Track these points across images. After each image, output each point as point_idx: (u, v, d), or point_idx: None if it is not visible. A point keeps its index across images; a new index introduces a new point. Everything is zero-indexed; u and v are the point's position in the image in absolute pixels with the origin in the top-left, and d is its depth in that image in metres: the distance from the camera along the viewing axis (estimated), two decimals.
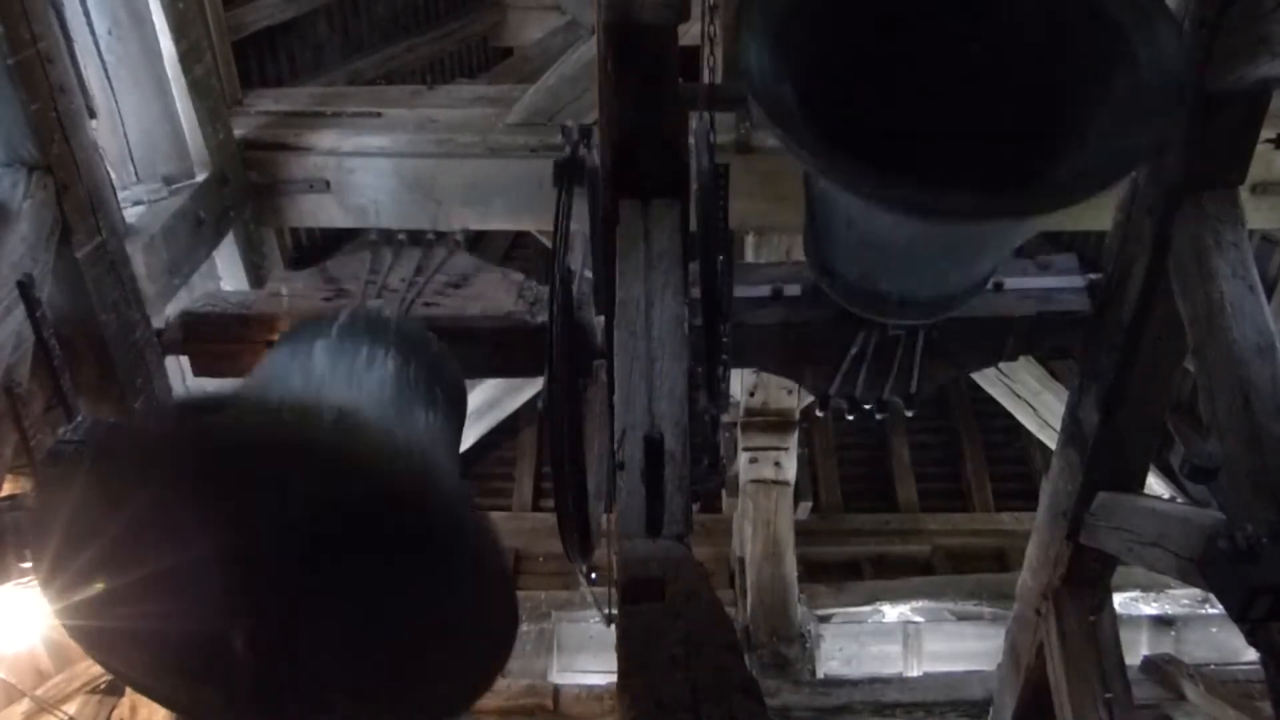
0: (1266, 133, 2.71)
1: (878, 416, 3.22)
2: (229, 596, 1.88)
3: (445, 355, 2.78)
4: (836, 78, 2.39)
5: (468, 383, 6.61)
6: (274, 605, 1.91)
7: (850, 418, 3.24)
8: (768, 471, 5.81)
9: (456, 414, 2.80)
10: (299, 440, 1.76)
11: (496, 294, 3.23)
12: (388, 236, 3.44)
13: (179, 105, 3.93)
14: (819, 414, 3.37)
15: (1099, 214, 3.14)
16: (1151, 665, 5.22)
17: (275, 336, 3.22)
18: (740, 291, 3.03)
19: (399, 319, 2.76)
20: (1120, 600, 4.98)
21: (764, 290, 3.19)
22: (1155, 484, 5.74)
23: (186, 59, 3.89)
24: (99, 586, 1.86)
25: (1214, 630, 6.00)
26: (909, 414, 3.21)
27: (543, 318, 3.10)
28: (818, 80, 2.34)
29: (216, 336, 3.26)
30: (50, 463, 2.54)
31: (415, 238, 3.46)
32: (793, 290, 3.18)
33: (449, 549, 1.85)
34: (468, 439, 5.86)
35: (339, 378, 2.42)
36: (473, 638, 1.95)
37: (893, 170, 2.12)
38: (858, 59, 2.41)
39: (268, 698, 2.03)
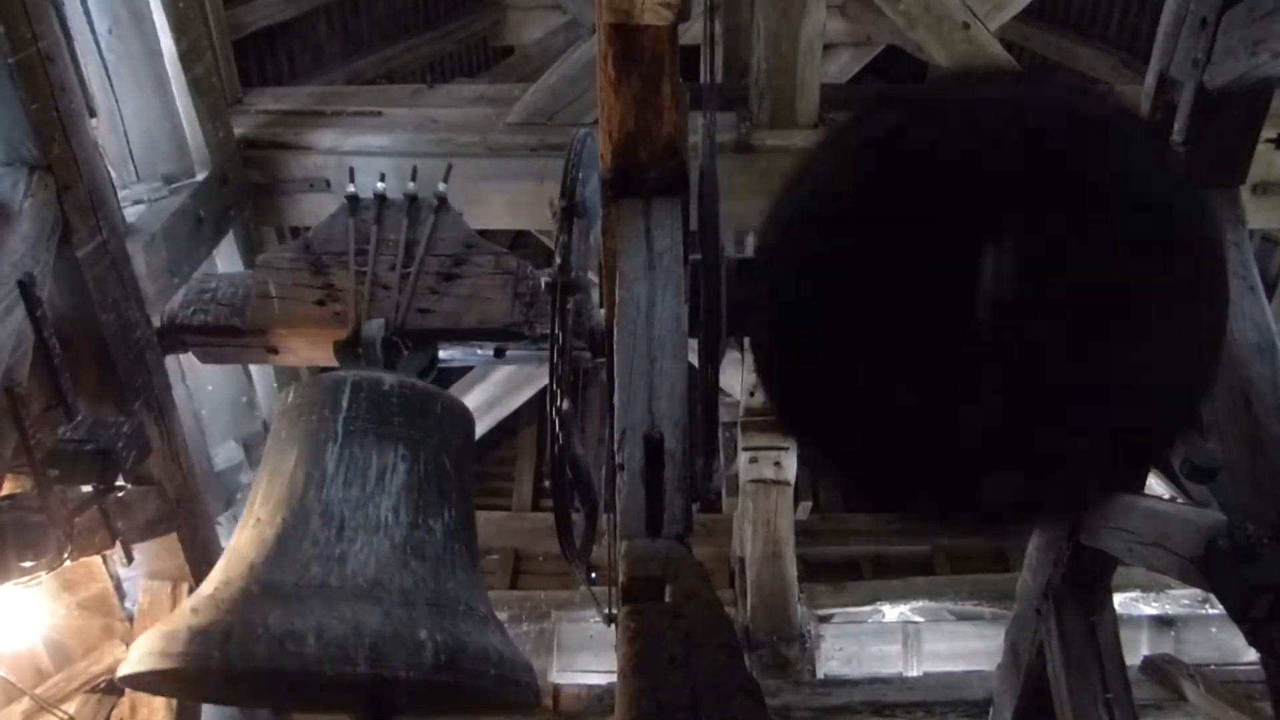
0: (1266, 133, 2.71)
1: None
2: None
3: (449, 406, 2.87)
4: None
5: (468, 381, 6.61)
6: None
7: None
8: (768, 471, 5.80)
9: (466, 470, 2.92)
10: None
11: (491, 291, 3.19)
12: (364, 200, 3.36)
13: (179, 104, 3.93)
14: None
15: None
16: (1151, 665, 5.22)
17: (271, 343, 3.22)
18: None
19: (400, 383, 2.80)
20: (1120, 600, 4.97)
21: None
22: (1155, 484, 5.73)
23: (187, 58, 3.89)
24: None
25: (1214, 630, 5.99)
26: None
27: (541, 327, 3.08)
28: None
29: (212, 343, 3.27)
30: (50, 462, 2.54)
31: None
32: None
33: None
34: None
35: (354, 514, 2.52)
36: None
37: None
38: None
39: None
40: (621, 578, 1.96)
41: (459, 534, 2.69)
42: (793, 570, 5.73)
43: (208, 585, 2.49)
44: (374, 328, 3.03)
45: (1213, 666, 5.30)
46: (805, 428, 1.92)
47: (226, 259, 4.43)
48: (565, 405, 2.46)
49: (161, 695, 2.59)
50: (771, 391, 1.88)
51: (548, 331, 2.62)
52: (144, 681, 2.40)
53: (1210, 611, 5.93)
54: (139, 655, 2.33)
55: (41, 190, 2.73)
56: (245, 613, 2.27)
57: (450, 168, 3.41)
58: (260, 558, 2.45)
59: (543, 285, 2.79)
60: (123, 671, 2.37)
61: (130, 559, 3.08)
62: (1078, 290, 1.65)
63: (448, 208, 3.32)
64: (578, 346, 2.85)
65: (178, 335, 3.24)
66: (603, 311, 2.92)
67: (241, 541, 2.56)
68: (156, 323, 3.27)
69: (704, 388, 2.61)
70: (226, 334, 3.22)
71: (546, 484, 8.37)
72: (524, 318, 3.14)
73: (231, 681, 2.47)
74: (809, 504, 6.95)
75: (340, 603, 2.30)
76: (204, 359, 3.38)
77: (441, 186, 3.33)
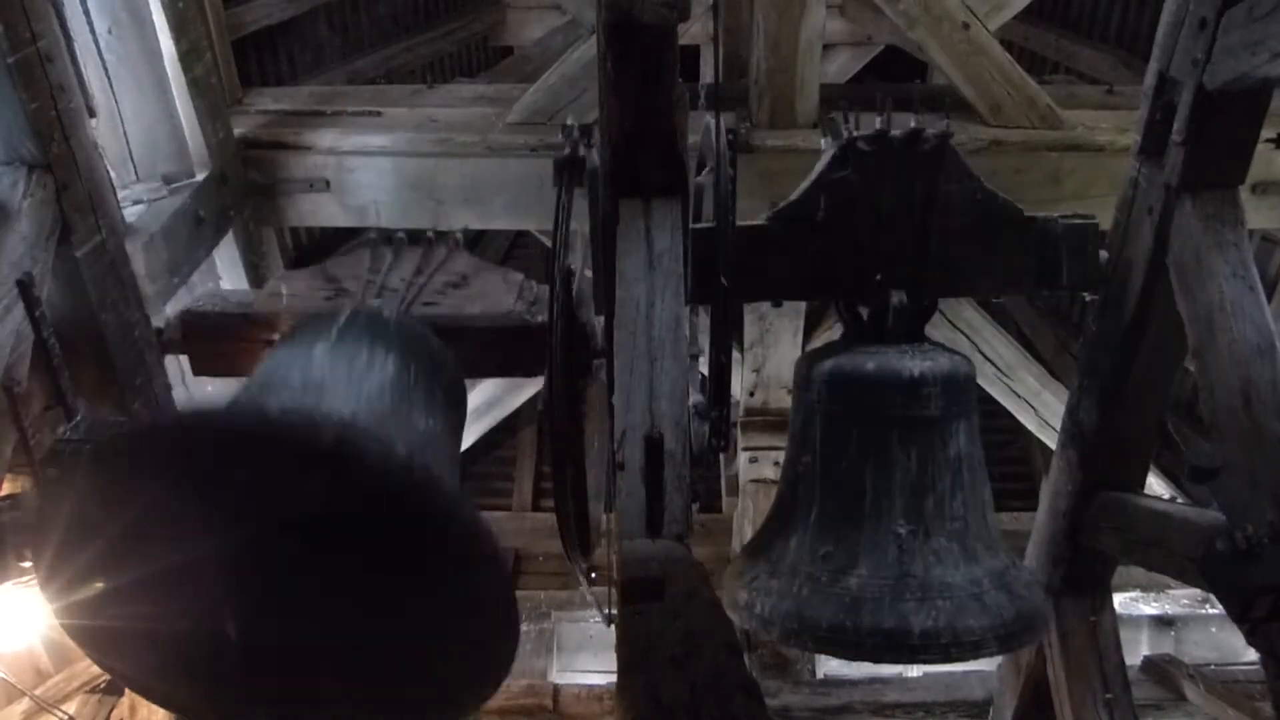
0: (1266, 132, 2.70)
1: None
2: (223, 593, 1.89)
3: (446, 355, 2.78)
4: None
5: (467, 382, 6.60)
6: (267, 602, 1.91)
7: None
8: (768, 471, 5.80)
9: (456, 415, 2.81)
10: (297, 440, 1.78)
11: (496, 294, 3.22)
12: (387, 236, 3.41)
13: (179, 104, 3.93)
14: None
15: (1098, 214, 3.14)
16: (1151, 665, 5.23)
17: (276, 336, 3.22)
18: None
19: (399, 318, 2.76)
20: (1120, 600, 4.97)
21: None
22: (1155, 484, 5.74)
23: (186, 58, 3.89)
24: (97, 586, 1.87)
25: (1214, 630, 6.01)
26: None
27: (542, 317, 3.09)
28: None
29: (216, 336, 3.25)
30: (50, 462, 2.54)
31: (414, 237, 3.44)
32: None
33: (446, 551, 1.88)
34: (468, 439, 5.86)
35: (338, 379, 2.41)
36: (472, 642, 1.97)
37: None
38: None
39: (260, 695, 2.03)
40: (621, 578, 1.96)
41: (443, 442, 2.58)
42: None
43: None
44: (377, 305, 3.03)
45: (1213, 666, 5.30)
46: None
47: (226, 259, 4.44)
48: (568, 262, 2.45)
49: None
50: None
51: (546, 322, 2.61)
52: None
53: (1210, 611, 5.94)
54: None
55: (40, 190, 2.73)
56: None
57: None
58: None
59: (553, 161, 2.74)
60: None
61: None
62: None
63: (461, 248, 3.36)
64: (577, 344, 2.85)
65: (182, 326, 3.22)
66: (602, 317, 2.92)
67: None
68: (158, 323, 3.27)
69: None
70: (232, 323, 3.20)
71: (547, 485, 8.38)
72: (526, 310, 3.16)
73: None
74: None
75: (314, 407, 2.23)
76: (199, 367, 3.35)
77: (459, 233, 3.37)
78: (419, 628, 1.94)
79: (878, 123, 2.87)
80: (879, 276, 2.87)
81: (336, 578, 1.89)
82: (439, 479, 1.97)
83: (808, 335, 5.44)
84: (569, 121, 2.65)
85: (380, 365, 2.47)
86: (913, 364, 2.75)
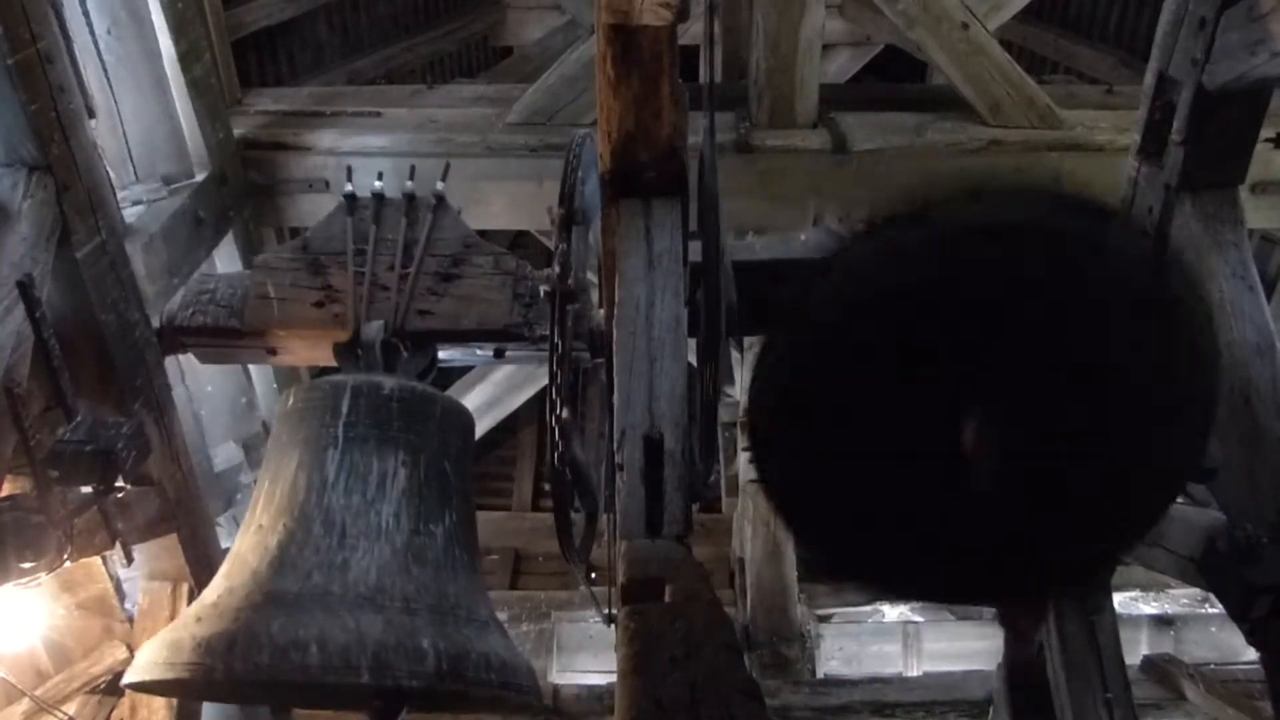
0: (1266, 132, 2.70)
1: None
2: None
3: (449, 414, 2.88)
4: None
5: (468, 381, 6.59)
6: None
7: None
8: None
9: (467, 471, 2.92)
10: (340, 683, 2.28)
11: (490, 292, 3.17)
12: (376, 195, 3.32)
13: (178, 105, 3.93)
14: None
15: None
16: (1151, 665, 5.23)
17: (270, 344, 3.22)
18: None
19: (400, 390, 2.81)
20: (1120, 600, 4.98)
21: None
22: None
23: (186, 59, 3.89)
24: None
25: (1214, 630, 6.00)
26: None
27: (540, 328, 3.07)
28: None
29: (211, 344, 3.27)
30: (50, 463, 2.54)
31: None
32: None
33: None
34: None
35: (356, 517, 2.56)
36: None
37: None
38: None
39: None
40: (621, 578, 1.96)
41: (460, 537, 2.72)
42: (793, 570, 5.73)
43: (210, 592, 2.51)
44: (373, 330, 3.02)
45: (1213, 666, 5.31)
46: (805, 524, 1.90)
47: (226, 259, 4.43)
48: (564, 414, 2.47)
49: (167, 696, 2.68)
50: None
51: (547, 333, 2.62)
52: (149, 686, 2.43)
53: (1210, 611, 5.93)
54: (144, 663, 2.37)
55: (41, 191, 2.73)
56: (249, 622, 2.29)
57: (448, 166, 3.40)
58: (263, 565, 2.48)
59: (542, 294, 2.80)
60: (128, 679, 2.44)
61: (130, 560, 3.08)
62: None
63: (446, 206, 3.31)
64: (577, 347, 2.85)
65: (177, 336, 3.23)
66: (602, 311, 2.92)
67: (244, 547, 2.58)
68: (156, 323, 3.27)
69: (703, 388, 2.61)
70: (225, 335, 3.21)
71: (547, 486, 8.39)
72: (523, 319, 3.13)
73: (236, 687, 2.52)
74: None
75: (343, 611, 2.34)
76: (203, 359, 3.38)
77: (439, 185, 3.31)
78: None
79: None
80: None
81: None
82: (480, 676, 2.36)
83: None
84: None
85: (391, 476, 2.65)
86: None
